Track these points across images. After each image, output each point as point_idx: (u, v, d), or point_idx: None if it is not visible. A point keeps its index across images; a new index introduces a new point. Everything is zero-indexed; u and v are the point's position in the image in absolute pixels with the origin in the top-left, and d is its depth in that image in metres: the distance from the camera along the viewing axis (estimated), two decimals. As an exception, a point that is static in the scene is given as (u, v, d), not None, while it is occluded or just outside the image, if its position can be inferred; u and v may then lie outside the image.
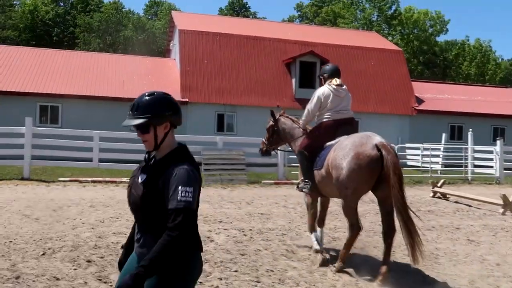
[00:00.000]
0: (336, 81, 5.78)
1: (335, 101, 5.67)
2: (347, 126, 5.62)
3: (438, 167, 19.05)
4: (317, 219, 6.10)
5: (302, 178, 5.81)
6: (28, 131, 12.85)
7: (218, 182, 13.21)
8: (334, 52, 25.52)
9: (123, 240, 6.17)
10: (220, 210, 9.08)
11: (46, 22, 51.21)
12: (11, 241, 5.96)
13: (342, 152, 5.11)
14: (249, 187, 13.02)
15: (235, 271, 5.22)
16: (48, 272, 4.89)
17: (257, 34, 25.28)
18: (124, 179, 12.98)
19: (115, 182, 12.70)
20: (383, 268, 4.97)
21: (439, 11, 54.00)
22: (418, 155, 19.97)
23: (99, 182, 12.59)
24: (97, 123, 19.79)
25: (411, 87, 26.05)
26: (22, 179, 12.53)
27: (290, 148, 6.71)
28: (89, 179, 12.82)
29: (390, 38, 46.76)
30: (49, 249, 5.69)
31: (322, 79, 5.95)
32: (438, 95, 27.73)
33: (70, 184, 12.16)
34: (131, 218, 7.39)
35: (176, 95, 21.15)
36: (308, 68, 24.03)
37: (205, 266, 5.14)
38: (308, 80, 24.00)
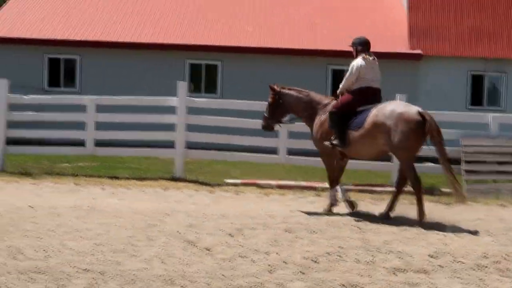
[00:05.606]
0: (370, 55, 9.86)
1: (369, 72, 9.75)
2: (375, 96, 9.81)
3: None
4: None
5: (335, 135, 9.73)
6: (181, 103, 13.11)
7: (491, 193, 12.36)
8: None
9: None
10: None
11: None
12: (176, 289, 5.79)
13: (391, 119, 9.20)
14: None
15: None
16: None
17: None
18: (327, 185, 12.50)
19: (314, 188, 12.51)
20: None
21: None
22: None
23: (289, 187, 12.54)
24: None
25: None
26: (173, 179, 13.07)
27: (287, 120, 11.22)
28: (273, 182, 12.90)
29: None
30: (238, 308, 5.44)
31: (354, 50, 9.98)
32: None
33: (244, 189, 12.39)
34: (361, 257, 6.74)
35: (403, 44, 21.27)
36: None
37: None
38: None
